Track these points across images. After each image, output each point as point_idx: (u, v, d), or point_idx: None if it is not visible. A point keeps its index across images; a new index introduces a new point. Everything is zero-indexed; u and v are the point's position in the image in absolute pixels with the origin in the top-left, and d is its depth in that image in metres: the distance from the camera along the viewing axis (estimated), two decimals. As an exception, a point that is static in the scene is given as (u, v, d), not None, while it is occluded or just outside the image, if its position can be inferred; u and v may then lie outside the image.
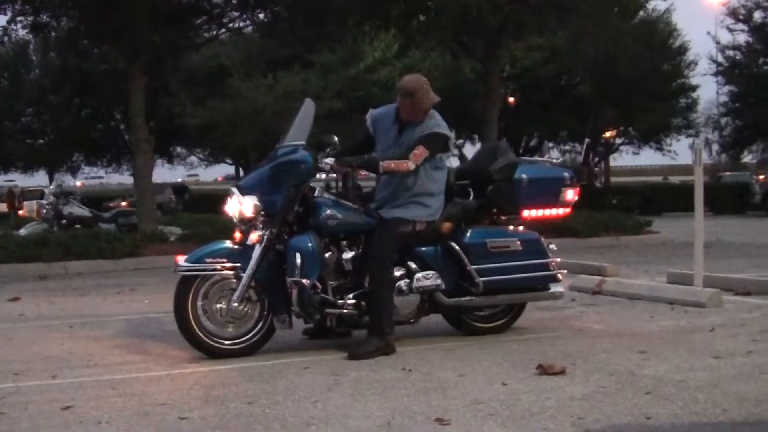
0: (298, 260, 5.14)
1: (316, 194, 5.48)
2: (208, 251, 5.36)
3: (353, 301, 5.35)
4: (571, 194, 6.01)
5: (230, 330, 5.28)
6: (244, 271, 5.20)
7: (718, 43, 30.41)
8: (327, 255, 5.31)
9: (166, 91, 24.24)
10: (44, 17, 14.81)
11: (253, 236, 5.31)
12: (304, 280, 5.14)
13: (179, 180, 38.65)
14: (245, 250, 5.28)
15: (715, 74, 31.15)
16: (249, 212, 5.28)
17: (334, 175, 5.67)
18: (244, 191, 5.35)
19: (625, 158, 40.00)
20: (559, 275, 5.85)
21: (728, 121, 31.92)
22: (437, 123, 5.55)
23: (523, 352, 5.22)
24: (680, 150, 34.20)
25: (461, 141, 32.92)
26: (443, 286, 5.51)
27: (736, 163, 41.37)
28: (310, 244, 5.23)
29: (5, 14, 14.55)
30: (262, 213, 5.29)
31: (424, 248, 5.54)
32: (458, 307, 5.68)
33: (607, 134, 34.25)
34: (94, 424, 3.88)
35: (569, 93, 31.09)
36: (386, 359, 5.08)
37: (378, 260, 5.29)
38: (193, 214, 19.47)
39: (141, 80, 13.94)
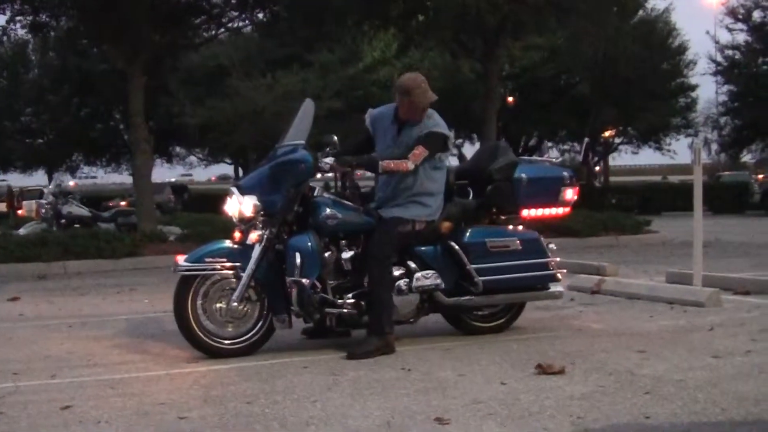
0: (298, 260, 5.15)
1: (315, 194, 5.48)
2: (207, 251, 5.36)
3: (353, 301, 5.35)
4: (570, 194, 6.01)
5: (230, 329, 5.28)
6: (243, 271, 5.20)
7: (717, 42, 30.46)
8: (326, 254, 5.31)
9: (166, 90, 24.23)
10: (43, 17, 14.82)
11: (253, 236, 5.31)
12: (303, 280, 5.14)
13: (173, 180, 38.62)
14: (245, 249, 5.28)
15: (714, 74, 31.17)
16: (249, 212, 5.29)
17: (332, 174, 5.67)
18: (243, 191, 5.36)
19: (624, 158, 40.08)
20: (558, 275, 5.85)
21: (727, 121, 31.91)
22: (436, 122, 5.55)
23: (522, 351, 5.23)
24: (679, 149, 34.30)
25: (460, 141, 32.91)
26: (443, 286, 5.51)
27: (735, 162, 41.39)
28: (309, 244, 5.23)
29: (4, 14, 14.59)
30: (262, 213, 5.29)
31: (423, 248, 5.54)
32: (458, 307, 5.68)
33: (606, 134, 34.26)
34: (94, 424, 3.88)
35: (568, 92, 31.09)
36: (385, 359, 5.08)
37: (377, 260, 5.29)
38: (192, 213, 19.46)
39: (140, 80, 13.94)
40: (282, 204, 5.30)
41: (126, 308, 7.63)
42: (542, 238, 5.84)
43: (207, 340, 5.23)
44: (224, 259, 5.25)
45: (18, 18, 14.58)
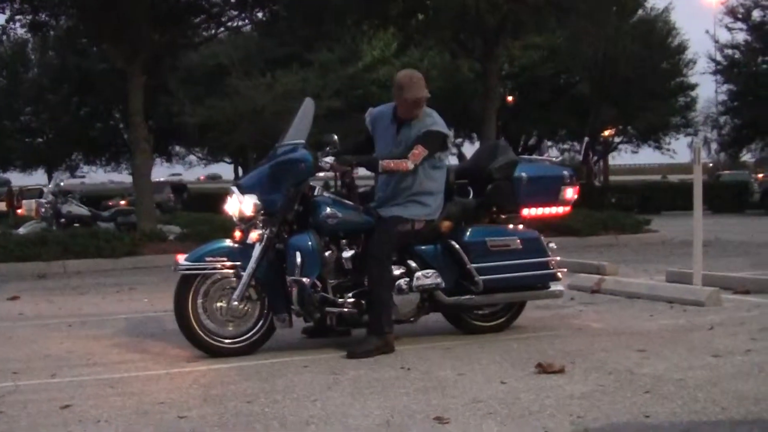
0: (298, 259, 5.15)
1: (315, 193, 5.48)
2: (208, 250, 5.36)
3: (353, 300, 5.35)
4: (570, 193, 6.00)
5: (230, 329, 5.28)
6: (244, 270, 5.20)
7: (716, 41, 30.50)
8: (327, 254, 5.31)
9: (165, 89, 24.24)
10: (43, 16, 14.82)
11: (253, 235, 5.31)
12: (304, 279, 5.14)
13: (161, 179, 38.53)
14: (245, 248, 5.28)
15: (714, 73, 31.20)
16: (249, 211, 5.29)
17: (332, 173, 5.67)
18: (244, 190, 5.36)
19: (623, 157, 40.15)
20: (558, 274, 5.85)
21: (727, 120, 31.96)
22: (435, 121, 5.55)
23: (522, 350, 5.23)
24: (679, 149, 34.36)
25: (460, 140, 32.95)
26: (443, 285, 5.51)
27: (734, 161, 41.44)
28: (309, 243, 5.23)
29: (4, 13, 14.59)
30: (262, 212, 5.29)
31: (423, 247, 5.54)
32: (458, 306, 5.68)
33: (606, 133, 34.26)
34: (93, 423, 3.87)
35: (568, 92, 31.11)
36: (385, 358, 5.08)
37: (377, 259, 5.29)
38: (192, 212, 19.46)
39: (140, 79, 13.95)
40: (282, 203, 5.30)
41: (126, 307, 7.63)
42: (542, 237, 5.84)
43: (207, 339, 5.23)
44: (225, 258, 5.25)
45: (17, 17, 14.59)
